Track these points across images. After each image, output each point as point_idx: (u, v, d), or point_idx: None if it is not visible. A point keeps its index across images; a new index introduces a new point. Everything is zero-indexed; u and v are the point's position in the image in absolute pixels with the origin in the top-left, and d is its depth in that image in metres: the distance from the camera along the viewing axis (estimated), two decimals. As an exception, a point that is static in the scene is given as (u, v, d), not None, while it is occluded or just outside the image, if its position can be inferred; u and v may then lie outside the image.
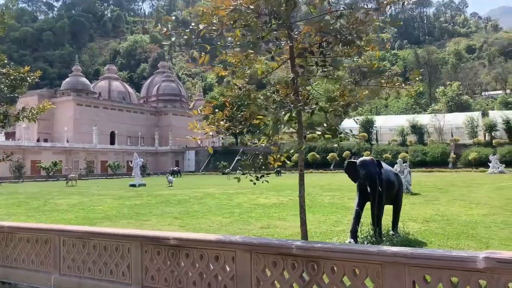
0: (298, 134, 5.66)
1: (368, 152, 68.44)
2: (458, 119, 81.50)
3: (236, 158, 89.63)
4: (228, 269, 4.42)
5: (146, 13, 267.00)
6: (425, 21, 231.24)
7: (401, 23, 4.83)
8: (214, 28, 5.15)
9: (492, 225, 14.08)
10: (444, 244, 11.08)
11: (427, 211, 18.10)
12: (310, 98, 5.18)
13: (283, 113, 5.31)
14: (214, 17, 4.87)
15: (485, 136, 76.35)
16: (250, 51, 5.59)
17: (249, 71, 5.72)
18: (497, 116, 78.16)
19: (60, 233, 5.57)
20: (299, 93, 5.30)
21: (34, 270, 5.78)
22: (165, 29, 5.01)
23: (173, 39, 5.06)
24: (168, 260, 4.77)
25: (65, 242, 5.54)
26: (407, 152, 72.09)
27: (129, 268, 5.01)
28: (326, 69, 5.05)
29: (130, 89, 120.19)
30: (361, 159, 11.58)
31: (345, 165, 12.46)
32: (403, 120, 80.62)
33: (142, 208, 21.51)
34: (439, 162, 70.98)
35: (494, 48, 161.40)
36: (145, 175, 50.06)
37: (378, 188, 11.35)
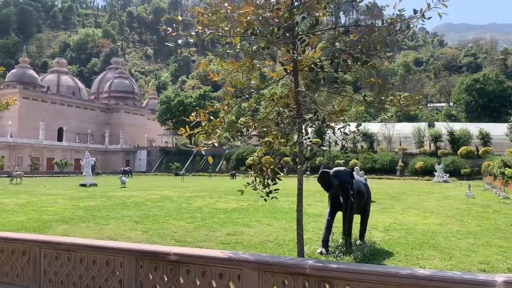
0: (300, 149, 5.58)
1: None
2: (406, 129, 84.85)
3: (189, 159, 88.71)
4: (232, 287, 4.28)
5: (100, 6, 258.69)
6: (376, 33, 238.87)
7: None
8: (221, 34, 5.00)
9: (449, 235, 14.69)
10: (410, 254, 11.41)
11: (385, 219, 18.60)
12: (317, 113, 5.13)
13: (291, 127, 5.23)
14: (225, 23, 4.72)
15: (430, 146, 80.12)
16: (250, 59, 5.49)
17: (245, 79, 5.60)
18: (442, 127, 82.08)
19: (41, 244, 5.19)
20: (301, 106, 5.25)
21: (8, 283, 5.35)
22: (170, 30, 4.81)
23: (180, 41, 4.86)
24: (166, 276, 4.56)
25: (47, 254, 5.17)
26: (357, 159, 74.15)
27: (121, 283, 4.75)
28: (337, 86, 5.04)
29: (80, 84, 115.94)
30: (334, 169, 11.74)
31: (318, 174, 12.59)
32: (354, 128, 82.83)
33: (98, 210, 20.72)
34: (388, 169, 73.65)
35: (440, 62, 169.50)
36: (94, 174, 48.24)
37: (351, 198, 11.54)
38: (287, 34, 4.96)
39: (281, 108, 5.11)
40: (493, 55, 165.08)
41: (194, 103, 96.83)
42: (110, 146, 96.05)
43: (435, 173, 62.85)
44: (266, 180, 5.79)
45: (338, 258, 10.66)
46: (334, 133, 5.22)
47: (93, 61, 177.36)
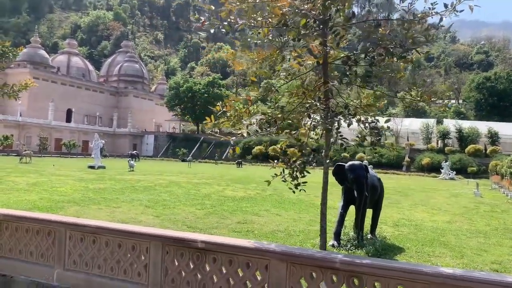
0: (327, 142, 5.57)
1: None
2: (414, 124, 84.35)
3: (196, 146, 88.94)
4: (259, 278, 4.31)
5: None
6: (389, 25, 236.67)
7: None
8: (253, 24, 4.97)
9: (459, 233, 14.68)
10: (421, 251, 11.42)
11: (393, 214, 18.58)
12: (348, 107, 5.11)
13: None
14: (259, 13, 4.69)
15: (438, 143, 79.70)
16: (279, 51, 5.46)
17: (270, 71, 5.57)
18: (451, 124, 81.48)
19: (66, 226, 5.25)
20: (330, 101, 5.23)
21: (33, 263, 5.43)
22: (202, 19, 4.78)
23: (212, 31, 4.84)
24: (192, 263, 4.60)
25: (72, 235, 5.23)
26: (364, 153, 73.93)
27: (147, 268, 4.80)
28: (370, 80, 5.02)
29: (90, 66, 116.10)
30: (350, 163, 11.72)
31: (333, 167, 12.58)
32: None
33: (107, 193, 20.87)
34: (394, 164, 73.43)
35: (451, 58, 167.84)
36: (101, 157, 48.57)
37: (365, 193, 11.54)
38: (321, 27, 4.92)
39: (312, 101, 5.09)
40: (505, 54, 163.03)
41: (203, 90, 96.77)
42: (118, 129, 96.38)
43: (442, 170, 62.64)
44: (295, 173, 5.78)
45: (350, 251, 10.68)
46: (365, 127, 5.19)
47: (103, 43, 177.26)
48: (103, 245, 5.06)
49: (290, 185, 6.08)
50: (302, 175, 5.85)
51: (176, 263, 4.69)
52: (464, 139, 77.06)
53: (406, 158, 74.84)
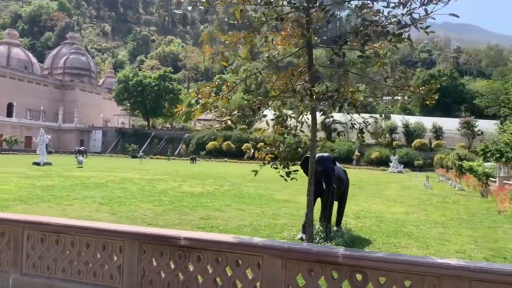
0: (313, 130, 5.25)
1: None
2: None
3: (147, 142, 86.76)
4: (250, 276, 3.93)
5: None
6: (337, 23, 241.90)
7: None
8: (233, 2, 4.54)
9: (419, 224, 14.94)
10: (387, 242, 11.45)
11: (352, 206, 18.70)
12: (339, 91, 4.80)
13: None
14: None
15: (386, 138, 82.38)
16: (256, 32, 5.06)
17: (243, 53, 5.16)
18: (398, 120, 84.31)
19: (24, 225, 4.60)
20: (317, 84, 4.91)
21: (-17, 268, 4.74)
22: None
23: (189, 8, 4.36)
24: (173, 263, 4.14)
25: (31, 235, 4.59)
26: (318, 147, 74.96)
27: (120, 270, 4.28)
28: (363, 61, 4.73)
29: (33, 58, 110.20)
30: (318, 154, 11.53)
31: (301, 160, 12.36)
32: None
33: (57, 190, 19.67)
34: (345, 158, 75.07)
35: (397, 56, 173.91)
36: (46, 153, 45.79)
37: (333, 185, 11.41)
38: (306, 4, 4.58)
39: (304, 84, 4.74)
40: (447, 53, 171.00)
41: (153, 84, 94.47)
42: (64, 124, 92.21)
43: (390, 164, 64.79)
44: (285, 161, 5.42)
45: (318, 244, 10.51)
46: (358, 112, 4.92)
47: (47, 34, 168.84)
48: (68, 246, 4.47)
49: (281, 172, 5.72)
50: (293, 163, 5.49)
51: (155, 263, 4.21)
52: (410, 134, 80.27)
53: (356, 152, 76.86)
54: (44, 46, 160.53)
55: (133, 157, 73.33)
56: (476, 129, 77.23)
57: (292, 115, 5.62)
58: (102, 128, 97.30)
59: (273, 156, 5.36)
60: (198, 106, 5.25)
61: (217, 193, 21.80)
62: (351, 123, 5.11)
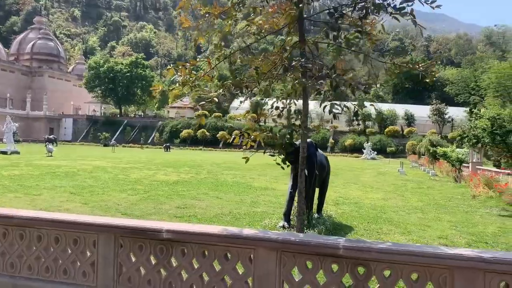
0: (304, 113, 4.90)
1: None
2: (337, 107, 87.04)
3: (119, 130, 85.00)
4: (241, 271, 3.56)
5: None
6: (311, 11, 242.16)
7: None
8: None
9: (398, 210, 14.90)
10: (369, 228, 11.29)
11: (330, 193, 18.54)
12: (333, 68, 4.43)
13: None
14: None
15: (358, 125, 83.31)
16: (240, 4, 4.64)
17: (225, 28, 4.73)
18: (371, 107, 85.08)
19: (-17, 218, 4.10)
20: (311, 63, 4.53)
21: None
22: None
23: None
24: (154, 257, 3.73)
25: (-9, 230, 4.10)
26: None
27: (95, 266, 3.84)
28: (360, 36, 4.37)
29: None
30: (300, 140, 11.21)
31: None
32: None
33: (25, 179, 18.83)
34: (319, 146, 75.16)
35: (369, 44, 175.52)
36: (14, 141, 43.94)
37: (316, 171, 11.14)
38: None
39: (299, 60, 4.34)
40: (418, 41, 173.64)
41: (125, 71, 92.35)
42: (32, 112, 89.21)
43: (364, 151, 65.56)
44: (281, 148, 5.05)
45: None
46: (353, 94, 4.58)
47: (13, 19, 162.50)
48: (34, 241, 4.00)
49: (278, 160, 5.35)
50: (288, 149, 5.13)
51: (134, 259, 3.79)
52: (383, 121, 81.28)
53: (331, 140, 77.43)
54: (9, 31, 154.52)
55: (105, 145, 71.74)
56: (446, 116, 78.90)
57: (274, 102, 5.25)
58: (73, 116, 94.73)
59: (254, 144, 4.98)
60: (177, 85, 4.80)
61: (193, 181, 21.33)
62: (344, 105, 4.76)
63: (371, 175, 31.37)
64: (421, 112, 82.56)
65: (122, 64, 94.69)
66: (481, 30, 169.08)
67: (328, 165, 12.52)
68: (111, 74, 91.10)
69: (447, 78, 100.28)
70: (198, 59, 5.00)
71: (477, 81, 77.57)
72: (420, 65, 4.60)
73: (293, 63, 4.24)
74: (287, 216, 10.76)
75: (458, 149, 31.63)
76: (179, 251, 3.65)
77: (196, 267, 3.64)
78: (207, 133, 76.26)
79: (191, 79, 4.73)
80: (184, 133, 77.44)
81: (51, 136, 61.05)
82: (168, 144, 66.02)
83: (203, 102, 4.51)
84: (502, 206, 16.49)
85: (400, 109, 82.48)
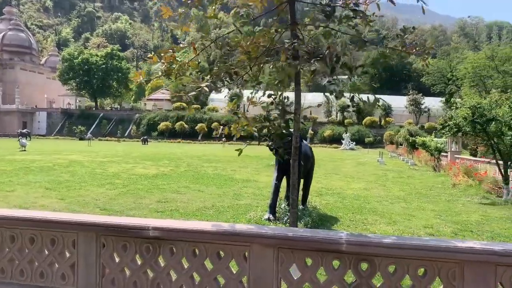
0: (296, 99, 4.66)
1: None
2: (316, 99, 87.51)
3: (95, 123, 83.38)
4: (235, 270, 3.31)
5: None
6: None
7: None
8: None
9: (381, 200, 14.87)
10: (354, 219, 11.18)
11: (313, 183, 18.44)
12: (331, 50, 4.18)
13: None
14: None
15: (337, 116, 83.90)
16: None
17: (210, 12, 4.43)
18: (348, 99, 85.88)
19: None
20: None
21: None
22: None
23: None
24: (140, 257, 3.44)
25: (-43, 231, 3.73)
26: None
27: (74, 268, 3.53)
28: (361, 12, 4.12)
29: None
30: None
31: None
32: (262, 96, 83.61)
33: (-3, 175, 18.11)
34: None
35: (346, 36, 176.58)
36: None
37: (301, 162, 10.93)
38: None
39: (291, 42, 4.08)
40: (394, 32, 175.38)
41: (101, 62, 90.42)
42: (4, 106, 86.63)
43: (343, 141, 66.08)
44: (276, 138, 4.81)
45: (287, 224, 10.05)
46: (351, 74, 4.36)
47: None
48: (6, 241, 3.65)
49: (281, 151, 5.13)
50: (283, 139, 4.89)
51: (117, 259, 3.49)
52: (361, 112, 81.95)
53: (310, 131, 77.69)
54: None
55: (81, 139, 70.26)
56: (423, 106, 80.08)
57: (258, 92, 5.00)
58: (47, 109, 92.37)
59: (242, 134, 4.73)
60: (160, 73, 4.49)
61: (173, 174, 20.94)
62: (341, 81, 4.54)
63: (352, 165, 31.48)
64: (398, 102, 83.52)
65: (97, 55, 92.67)
66: (455, 21, 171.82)
67: (312, 156, 12.34)
68: (86, 66, 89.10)
69: (423, 69, 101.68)
70: (181, 45, 4.65)
71: (452, 71, 78.80)
72: (416, 49, 4.40)
73: (286, 45, 3.99)
74: (272, 208, 10.55)
75: (437, 139, 32.02)
76: (167, 250, 3.37)
77: (186, 266, 3.37)
78: (185, 125, 75.47)
79: (174, 67, 4.44)
80: (162, 125, 76.44)
81: (24, 130, 59.37)
82: (145, 137, 65.05)
83: (193, 92, 4.20)
84: (482, 194, 16.66)
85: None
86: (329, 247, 3.05)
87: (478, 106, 15.17)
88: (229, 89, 4.62)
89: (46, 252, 3.61)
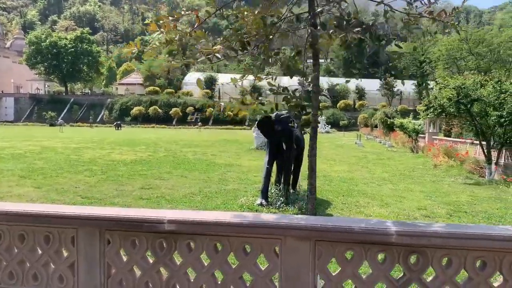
0: (315, 71, 4.24)
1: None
2: (291, 83, 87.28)
3: (66, 108, 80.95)
4: (264, 266, 2.91)
5: None
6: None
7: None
8: None
9: (367, 182, 14.72)
10: (346, 202, 10.94)
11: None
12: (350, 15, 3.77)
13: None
14: None
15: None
16: None
17: None
18: (324, 81, 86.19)
19: None
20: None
21: None
22: None
23: None
24: (154, 255, 2.99)
25: None
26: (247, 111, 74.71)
27: (74, 269, 3.05)
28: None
29: None
30: (276, 113, 10.57)
31: (257, 120, 11.37)
32: (244, 80, 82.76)
33: (-35, 164, 17.09)
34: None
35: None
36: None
37: (294, 146, 10.57)
38: None
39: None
40: (366, 16, 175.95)
41: (70, 46, 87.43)
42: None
43: (318, 125, 66.19)
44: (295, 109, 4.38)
45: (280, 209, 9.72)
46: (385, 42, 3.95)
47: None
48: (-8, 240, 3.14)
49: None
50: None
51: (126, 258, 3.03)
52: (335, 95, 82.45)
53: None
54: None
55: (51, 125, 68.09)
56: (395, 89, 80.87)
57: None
58: (14, 94, 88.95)
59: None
60: (158, 43, 3.97)
61: (152, 160, 20.32)
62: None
63: (330, 148, 31.42)
64: (372, 86, 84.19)
65: (66, 39, 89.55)
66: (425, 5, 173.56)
67: (303, 140, 12.00)
68: (55, 50, 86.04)
69: (395, 52, 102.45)
70: (179, 12, 4.13)
71: (424, 54, 79.72)
72: (446, 14, 4.02)
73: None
74: (264, 193, 10.18)
75: (414, 121, 32.23)
76: (184, 245, 2.93)
77: (206, 264, 2.94)
78: (159, 110, 74.08)
79: (173, 36, 3.94)
80: (135, 110, 74.80)
81: (-10, 117, 56.98)
82: (119, 122, 63.51)
83: (202, 58, 3.71)
84: (465, 175, 16.76)
85: (351, 83, 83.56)
86: (376, 238, 2.68)
87: (463, 86, 15.11)
88: (240, 61, 4.14)
89: (40, 251, 3.11)
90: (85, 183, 12.92)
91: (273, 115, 10.50)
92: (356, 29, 3.57)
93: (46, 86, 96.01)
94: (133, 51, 4.12)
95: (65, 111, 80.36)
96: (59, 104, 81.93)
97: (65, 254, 3.10)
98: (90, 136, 39.68)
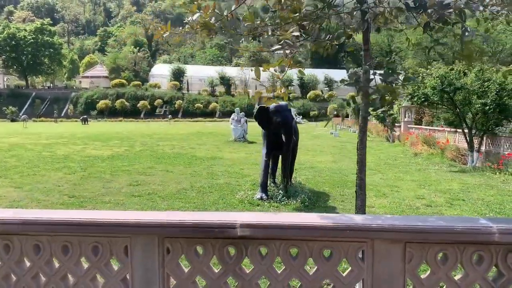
0: (365, 59, 3.99)
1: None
2: (261, 74, 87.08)
3: (27, 103, 77.84)
4: (345, 273, 2.64)
5: None
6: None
7: None
8: None
9: (349, 172, 14.56)
10: (344, 193, 10.81)
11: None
12: None
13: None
14: None
15: (281, 90, 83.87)
16: None
17: None
18: (293, 73, 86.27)
19: None
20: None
21: None
22: None
23: None
24: (222, 263, 2.68)
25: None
26: (217, 102, 74.08)
27: (128, 282, 2.70)
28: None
29: None
30: (275, 104, 10.27)
31: (255, 111, 11.03)
32: (212, 71, 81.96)
33: None
34: (247, 113, 75.32)
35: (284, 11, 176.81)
36: None
37: (293, 137, 10.32)
38: None
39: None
40: (338, 9, 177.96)
41: (30, 37, 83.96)
42: None
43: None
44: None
45: (281, 203, 9.47)
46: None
47: None
48: (29, 252, 2.74)
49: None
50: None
51: (188, 267, 2.70)
52: (305, 86, 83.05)
53: (256, 106, 77.15)
54: None
55: (13, 120, 65.35)
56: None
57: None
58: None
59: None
60: (195, 26, 3.64)
61: (130, 155, 19.67)
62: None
63: (307, 138, 31.40)
64: (340, 76, 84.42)
65: (26, 30, 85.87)
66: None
67: (298, 131, 11.80)
68: (13, 42, 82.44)
69: (361, 42, 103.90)
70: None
71: (390, 44, 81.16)
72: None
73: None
74: (264, 187, 9.91)
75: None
76: (256, 252, 2.63)
77: (280, 272, 2.65)
78: (126, 103, 72.33)
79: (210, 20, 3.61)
80: (101, 104, 72.74)
81: None
82: (85, 116, 61.55)
83: (277, 47, 3.41)
84: (448, 163, 17.02)
85: (320, 73, 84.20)
86: (476, 238, 2.46)
87: (447, 75, 15.27)
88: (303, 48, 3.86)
89: (86, 265, 2.74)
90: (67, 181, 12.28)
91: (272, 105, 10.21)
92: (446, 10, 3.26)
93: (5, 79, 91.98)
94: (164, 34, 3.77)
95: (26, 105, 77.24)
96: (20, 99, 78.66)
97: (116, 267, 2.73)
98: (59, 132, 38.24)
